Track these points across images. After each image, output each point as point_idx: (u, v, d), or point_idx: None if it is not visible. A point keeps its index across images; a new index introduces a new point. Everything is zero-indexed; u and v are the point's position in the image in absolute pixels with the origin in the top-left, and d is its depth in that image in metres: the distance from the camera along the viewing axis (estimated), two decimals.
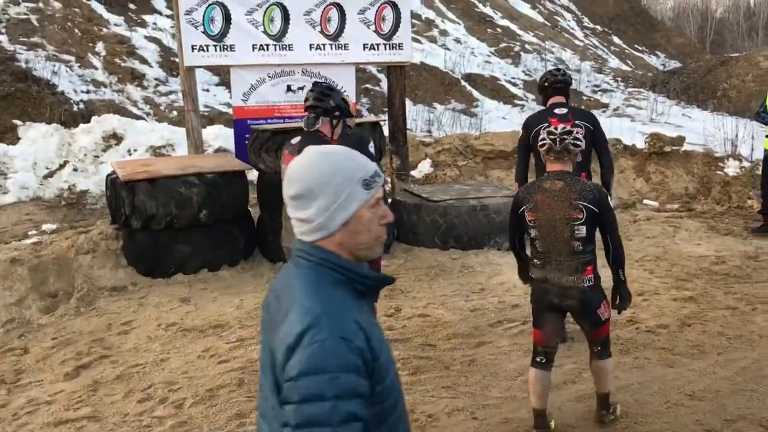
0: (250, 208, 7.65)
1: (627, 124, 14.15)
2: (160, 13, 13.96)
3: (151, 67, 12.18)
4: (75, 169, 9.43)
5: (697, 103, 16.47)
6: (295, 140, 4.19)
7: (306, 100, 4.08)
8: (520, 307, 5.54)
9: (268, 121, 8.05)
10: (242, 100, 7.99)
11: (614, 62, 22.63)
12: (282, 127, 6.97)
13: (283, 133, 6.75)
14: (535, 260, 3.70)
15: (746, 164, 9.87)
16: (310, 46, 8.09)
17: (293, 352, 1.51)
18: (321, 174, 1.65)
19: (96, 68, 11.53)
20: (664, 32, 30.06)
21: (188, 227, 6.42)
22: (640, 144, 10.89)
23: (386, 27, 8.35)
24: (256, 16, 7.85)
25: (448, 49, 16.83)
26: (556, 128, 3.74)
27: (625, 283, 3.66)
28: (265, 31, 7.91)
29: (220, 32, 7.74)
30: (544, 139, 3.70)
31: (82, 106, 10.57)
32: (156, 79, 11.95)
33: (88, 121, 10.17)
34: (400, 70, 8.66)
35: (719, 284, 5.98)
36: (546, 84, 5.05)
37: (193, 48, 7.66)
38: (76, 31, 12.27)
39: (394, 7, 8.34)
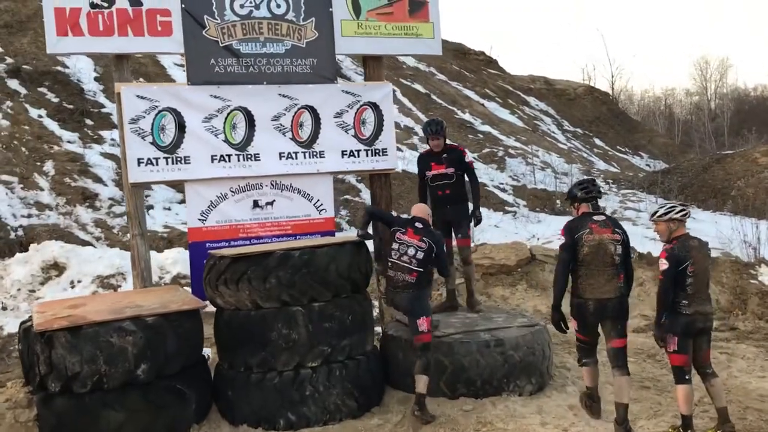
0: (210, 352, 6.25)
1: (630, 229, 13.02)
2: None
3: (105, 185, 10.99)
4: (4, 308, 7.98)
5: (696, 202, 15.56)
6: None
7: (589, 192, 5.21)
8: None
9: (232, 243, 6.77)
10: (200, 220, 6.73)
11: (601, 164, 22.01)
12: (244, 251, 5.63)
13: (245, 259, 5.42)
14: (684, 301, 4.76)
15: None
16: (280, 155, 6.92)
17: None
18: None
19: (42, 189, 10.30)
20: (644, 133, 29.90)
21: (122, 387, 4.95)
22: (655, 251, 9.70)
23: (367, 131, 7.25)
24: (216, 123, 6.71)
25: None
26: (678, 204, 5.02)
27: None
28: (226, 140, 6.75)
29: (172, 142, 6.57)
30: (684, 210, 4.89)
31: (20, 232, 9.24)
32: (110, 198, 10.72)
33: (26, 250, 8.82)
34: (384, 179, 7.47)
35: None
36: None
37: (139, 162, 6.47)
38: (23, 149, 11.12)
39: (376, 108, 7.26)
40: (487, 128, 20.47)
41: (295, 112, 6.98)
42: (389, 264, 5.75)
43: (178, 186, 10.76)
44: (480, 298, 8.63)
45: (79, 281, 8.57)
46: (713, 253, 10.09)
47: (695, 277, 4.74)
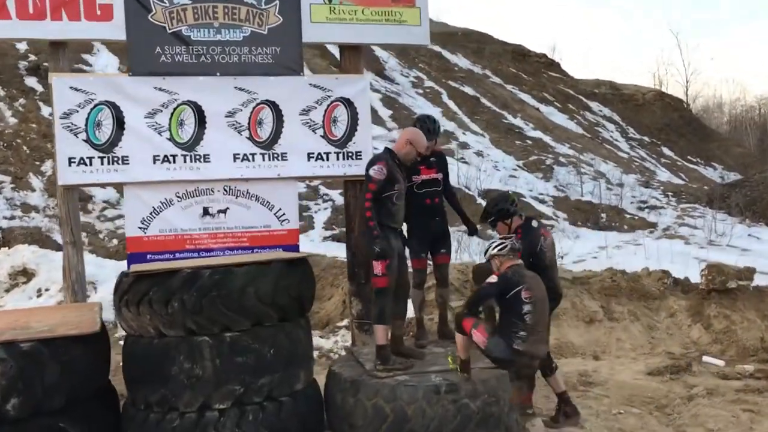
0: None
1: (680, 248, 11.66)
2: None
3: (103, 187, 10.45)
4: None
5: (765, 220, 13.87)
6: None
7: (516, 204, 5.35)
8: None
9: (177, 255, 6.00)
10: (140, 228, 5.98)
11: (664, 175, 20.29)
12: (148, 268, 4.79)
13: (147, 277, 4.59)
14: (521, 333, 4.53)
15: None
16: (235, 157, 6.10)
17: None
18: None
19: (33, 190, 9.85)
20: (720, 142, 27.71)
21: None
22: (696, 277, 8.35)
23: (338, 131, 6.35)
24: (160, 119, 5.96)
25: (466, 162, 14.87)
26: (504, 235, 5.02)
27: None
28: (171, 138, 5.98)
29: (108, 140, 5.87)
30: (503, 244, 4.79)
31: None
32: (105, 201, 10.21)
33: None
34: (360, 186, 6.53)
35: None
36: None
37: (71, 161, 5.80)
38: (25, 148, 10.74)
39: (349, 105, 6.36)
40: (538, 134, 19.17)
41: (254, 108, 6.14)
42: None
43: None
44: None
45: (46, 289, 8.02)
46: (766, 281, 8.67)
47: (533, 306, 4.57)
